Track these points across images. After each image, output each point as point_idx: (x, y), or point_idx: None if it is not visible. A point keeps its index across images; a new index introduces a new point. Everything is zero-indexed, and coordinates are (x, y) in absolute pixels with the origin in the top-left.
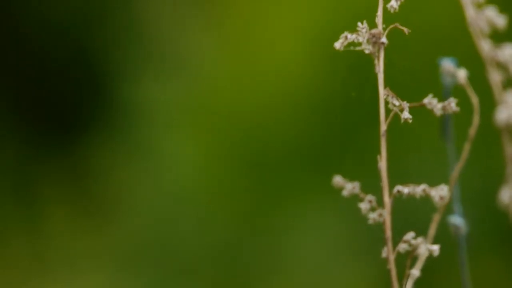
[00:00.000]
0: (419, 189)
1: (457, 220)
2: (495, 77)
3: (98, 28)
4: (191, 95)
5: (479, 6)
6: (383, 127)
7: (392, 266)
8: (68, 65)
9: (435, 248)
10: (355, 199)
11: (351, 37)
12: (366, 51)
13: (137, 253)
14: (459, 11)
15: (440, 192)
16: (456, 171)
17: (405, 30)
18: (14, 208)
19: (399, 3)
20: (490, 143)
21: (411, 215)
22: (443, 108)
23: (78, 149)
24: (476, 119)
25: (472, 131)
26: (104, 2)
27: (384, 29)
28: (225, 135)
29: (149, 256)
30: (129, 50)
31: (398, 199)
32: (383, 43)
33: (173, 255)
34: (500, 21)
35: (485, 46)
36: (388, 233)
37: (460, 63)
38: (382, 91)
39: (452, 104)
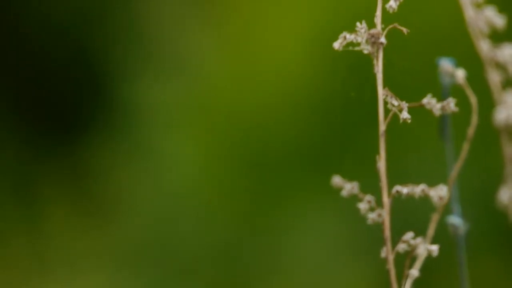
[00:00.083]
0: (418, 189)
1: (456, 220)
2: (494, 77)
3: (98, 28)
4: (191, 95)
5: (478, 6)
6: (382, 127)
7: (391, 266)
8: (68, 65)
9: (434, 248)
10: (354, 199)
11: (350, 37)
12: (365, 51)
13: (137, 253)
14: (458, 11)
15: (439, 192)
16: (455, 171)
17: (404, 30)
18: (14, 208)
19: (398, 3)
20: (488, 143)
21: (410, 215)
22: (442, 108)
23: (78, 149)
24: (474, 119)
25: (471, 131)
26: (104, 2)
27: (383, 29)
28: (225, 135)
29: (149, 256)
30: (129, 50)
31: (397, 199)
32: (382, 43)
33: (173, 255)
34: (499, 21)
35: (484, 46)
36: (387, 233)
37: (459, 63)
38: (381, 91)
39: (451, 104)
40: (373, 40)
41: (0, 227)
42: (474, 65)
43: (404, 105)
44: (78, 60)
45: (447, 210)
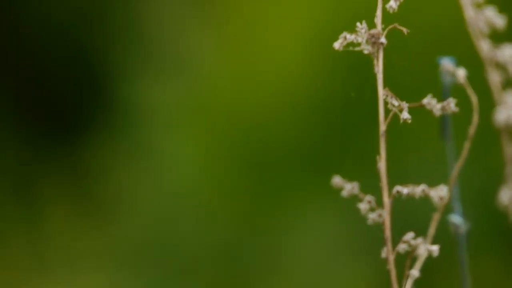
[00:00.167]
0: (418, 190)
1: (457, 218)
2: (494, 78)
3: (98, 28)
4: (191, 95)
5: (478, 6)
6: (382, 127)
7: (391, 266)
8: (68, 65)
9: (435, 248)
10: (355, 199)
11: (350, 37)
12: (365, 51)
13: (137, 253)
14: (458, 11)
15: (440, 193)
16: (455, 170)
17: (404, 30)
18: (14, 208)
19: (398, 3)
20: (489, 143)
21: (410, 215)
22: (442, 108)
23: (78, 149)
24: (475, 119)
25: (472, 130)
26: (104, 2)
27: (383, 29)
28: (225, 135)
29: (149, 256)
30: (129, 50)
31: (397, 199)
32: (382, 43)
33: (173, 255)
34: (499, 21)
35: (484, 46)
36: (388, 233)
37: (459, 63)
38: (381, 91)
39: (451, 104)
40: (373, 40)
41: (0, 227)
42: (474, 65)
43: (405, 105)
44: (78, 60)
45: (447, 210)
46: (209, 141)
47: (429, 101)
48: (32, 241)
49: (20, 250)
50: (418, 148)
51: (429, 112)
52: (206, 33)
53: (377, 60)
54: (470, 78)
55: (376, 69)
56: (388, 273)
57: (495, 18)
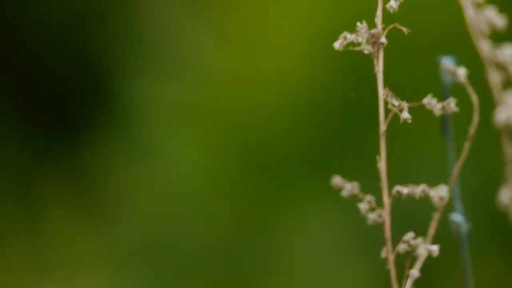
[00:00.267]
0: (418, 190)
1: (458, 217)
2: (494, 78)
3: (98, 28)
4: (191, 95)
5: (478, 6)
6: (383, 127)
7: (391, 266)
8: (68, 65)
9: (435, 248)
10: (355, 199)
11: (351, 37)
12: (366, 51)
13: (137, 253)
14: (458, 11)
15: (440, 193)
16: (455, 170)
17: (405, 30)
18: (14, 208)
19: (398, 3)
20: (489, 143)
21: (410, 215)
22: (443, 108)
23: (78, 149)
24: (476, 118)
25: (472, 130)
26: (104, 2)
27: (384, 29)
28: (225, 135)
29: (149, 256)
30: (129, 50)
31: (397, 199)
32: (382, 43)
33: (173, 255)
34: (500, 21)
35: (484, 46)
36: (388, 233)
37: (459, 63)
38: (381, 91)
39: (451, 104)
40: (373, 40)
41: (0, 227)
42: (474, 65)
43: (405, 105)
44: (78, 60)
45: (448, 209)
46: (209, 141)
47: (429, 101)
48: (32, 241)
49: (20, 250)
50: (418, 148)
51: (429, 112)
52: (206, 33)
53: (377, 60)
54: (470, 78)
55: (376, 69)
56: (388, 273)
57: (495, 18)
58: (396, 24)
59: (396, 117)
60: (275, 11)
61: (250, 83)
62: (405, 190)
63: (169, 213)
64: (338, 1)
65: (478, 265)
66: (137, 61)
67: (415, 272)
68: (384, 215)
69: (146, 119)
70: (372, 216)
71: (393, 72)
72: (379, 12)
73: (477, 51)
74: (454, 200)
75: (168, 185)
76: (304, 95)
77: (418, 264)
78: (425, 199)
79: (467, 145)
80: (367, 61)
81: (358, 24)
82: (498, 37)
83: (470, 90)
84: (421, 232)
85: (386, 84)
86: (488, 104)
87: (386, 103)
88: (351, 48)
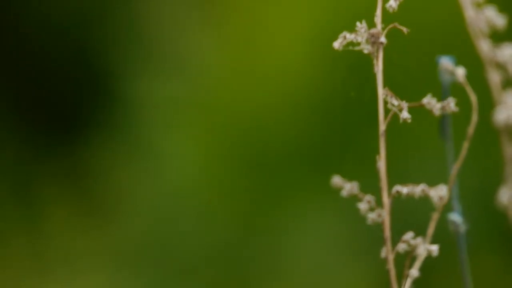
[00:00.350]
0: (418, 189)
1: (456, 217)
2: (494, 77)
3: (98, 28)
4: (191, 95)
5: (478, 6)
6: (382, 127)
7: (391, 266)
8: (68, 65)
9: (434, 248)
10: (354, 199)
11: (350, 37)
12: (365, 51)
13: (137, 253)
14: (458, 11)
15: (439, 192)
16: (455, 170)
17: (404, 29)
18: (14, 208)
19: (398, 3)
20: (488, 143)
21: (410, 215)
22: (442, 108)
23: (78, 149)
24: (474, 118)
25: (471, 129)
26: (104, 2)
27: (383, 28)
28: (225, 135)
29: (149, 256)
30: (129, 50)
31: (397, 199)
32: (382, 43)
33: (173, 255)
34: (500, 21)
35: (484, 46)
36: (387, 233)
37: (459, 63)
38: (381, 91)
39: (451, 104)
40: (373, 40)
41: (0, 227)
42: (474, 65)
43: (404, 105)
44: (78, 60)
45: (447, 209)
46: (209, 141)
47: (429, 101)
48: (32, 241)
49: (20, 250)
50: (418, 148)
51: (429, 112)
52: (206, 33)
53: (377, 59)
54: (469, 77)
55: (376, 68)
56: (387, 273)
57: (495, 18)
58: (396, 24)
59: (395, 117)
60: (275, 11)
61: (250, 83)
62: (404, 190)
63: (169, 213)
64: (338, 1)
65: (477, 265)
66: (137, 61)
67: (414, 272)
68: (384, 215)
69: (146, 119)
70: (371, 216)
71: (393, 72)
72: (378, 12)
73: (477, 51)
74: (453, 199)
75: (168, 185)
76: (304, 95)
77: (418, 264)
78: (425, 199)
79: (466, 145)
80: (367, 61)
81: (358, 23)
82: (498, 37)
83: (469, 90)
84: (420, 232)
85: (385, 84)
86: (488, 104)
87: (385, 103)
88: (350, 48)
